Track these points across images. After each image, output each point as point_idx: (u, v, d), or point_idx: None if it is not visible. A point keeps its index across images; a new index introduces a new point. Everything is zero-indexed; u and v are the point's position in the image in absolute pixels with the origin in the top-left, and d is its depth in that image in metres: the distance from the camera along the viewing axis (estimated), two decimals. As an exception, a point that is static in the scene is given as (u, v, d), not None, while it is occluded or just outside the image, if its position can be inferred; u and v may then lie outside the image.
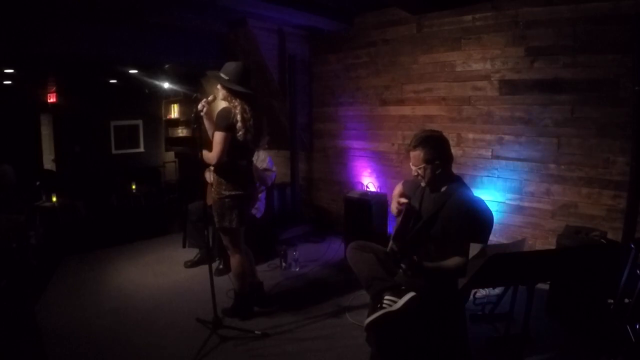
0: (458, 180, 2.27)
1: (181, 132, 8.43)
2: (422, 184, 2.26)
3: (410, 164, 2.23)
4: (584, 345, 2.49)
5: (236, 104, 2.64)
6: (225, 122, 2.60)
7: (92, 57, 5.26)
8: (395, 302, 2.05)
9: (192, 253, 4.04)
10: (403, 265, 2.09)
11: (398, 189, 2.55)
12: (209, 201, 2.92)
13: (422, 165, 2.15)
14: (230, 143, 2.62)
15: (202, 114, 2.66)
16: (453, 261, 2.11)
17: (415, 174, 2.20)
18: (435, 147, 2.17)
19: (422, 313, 2.11)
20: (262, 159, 3.94)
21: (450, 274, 2.12)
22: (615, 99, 3.05)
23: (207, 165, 2.76)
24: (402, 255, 2.13)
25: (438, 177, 2.19)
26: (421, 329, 2.15)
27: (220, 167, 2.71)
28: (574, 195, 3.32)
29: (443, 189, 2.22)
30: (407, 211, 2.23)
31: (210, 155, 2.63)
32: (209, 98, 2.72)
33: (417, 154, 2.16)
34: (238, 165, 2.74)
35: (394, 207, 2.40)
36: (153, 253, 4.43)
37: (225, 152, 2.60)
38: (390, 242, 2.22)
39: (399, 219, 2.26)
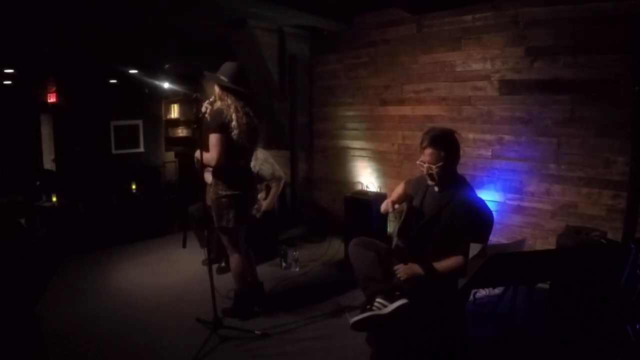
0: (462, 180, 2.27)
1: (181, 132, 8.44)
2: (430, 182, 2.24)
3: (422, 161, 2.20)
4: (584, 345, 2.49)
5: (229, 102, 2.64)
6: (217, 122, 2.60)
7: (92, 57, 5.27)
8: (385, 306, 2.05)
9: (192, 253, 4.04)
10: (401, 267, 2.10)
11: (399, 190, 2.54)
12: (209, 201, 2.92)
13: (440, 164, 2.14)
14: (227, 143, 2.63)
15: (206, 116, 2.67)
16: (454, 260, 2.11)
17: (429, 171, 2.18)
18: (453, 147, 2.18)
19: (422, 313, 2.11)
20: (261, 158, 3.94)
21: (451, 273, 2.12)
22: (615, 99, 3.05)
23: (205, 166, 2.75)
24: (409, 252, 2.12)
25: (448, 177, 2.20)
26: (421, 329, 2.15)
27: (218, 167, 2.71)
28: (574, 195, 3.32)
29: (446, 187, 2.22)
30: (409, 210, 2.23)
31: (209, 157, 2.63)
32: (211, 99, 2.73)
33: (435, 153, 2.14)
34: (235, 165, 2.74)
35: (384, 206, 2.39)
36: (153, 253, 4.43)
37: (224, 153, 2.60)
38: (395, 239, 2.22)
39: (401, 218, 2.26)
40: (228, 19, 4.42)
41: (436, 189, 2.26)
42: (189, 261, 4.06)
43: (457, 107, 3.93)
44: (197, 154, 2.62)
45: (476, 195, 2.26)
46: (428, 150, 2.16)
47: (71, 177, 6.88)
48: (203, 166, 2.70)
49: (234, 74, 2.68)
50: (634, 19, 2.79)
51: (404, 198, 2.46)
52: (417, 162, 2.24)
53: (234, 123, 2.61)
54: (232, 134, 2.62)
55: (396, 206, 2.38)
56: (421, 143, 2.21)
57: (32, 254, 3.93)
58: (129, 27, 4.38)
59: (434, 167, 2.15)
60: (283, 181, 4.07)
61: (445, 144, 2.15)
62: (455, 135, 2.23)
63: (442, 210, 2.17)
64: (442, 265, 2.13)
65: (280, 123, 5.21)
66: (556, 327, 2.74)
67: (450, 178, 2.22)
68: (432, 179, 2.20)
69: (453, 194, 2.18)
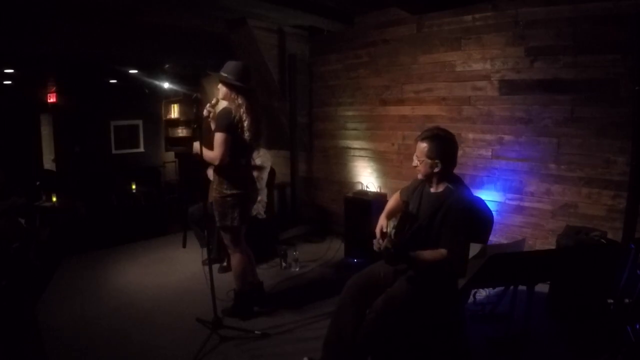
0: (457, 181, 2.25)
1: (181, 132, 8.44)
2: (420, 177, 2.23)
3: (416, 155, 2.21)
4: (584, 346, 2.49)
5: (240, 102, 2.65)
6: (226, 122, 2.61)
7: (92, 57, 5.27)
8: None
9: (192, 253, 4.04)
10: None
11: (392, 201, 2.47)
12: (211, 199, 2.92)
13: (423, 159, 2.14)
14: (233, 142, 2.63)
15: (209, 119, 2.67)
16: (438, 253, 2.06)
17: (415, 164, 2.20)
18: (440, 146, 2.16)
19: (421, 313, 2.11)
20: (261, 154, 3.98)
21: (432, 262, 2.05)
22: (615, 99, 3.04)
23: (209, 164, 2.76)
24: (397, 255, 2.09)
25: (435, 175, 2.18)
26: (421, 329, 2.15)
27: (221, 166, 2.72)
28: (574, 195, 3.32)
29: (441, 188, 2.20)
30: (403, 214, 2.20)
31: (212, 155, 2.62)
32: (212, 102, 2.73)
33: (422, 147, 2.15)
34: (239, 164, 2.75)
35: (378, 229, 2.29)
36: (153, 253, 4.44)
37: (227, 153, 2.61)
38: (385, 241, 2.17)
39: (396, 223, 2.23)
40: (228, 18, 4.42)
41: (431, 190, 2.23)
42: (189, 261, 4.06)
43: (457, 107, 3.93)
44: (196, 146, 2.59)
45: (472, 194, 2.22)
46: (419, 144, 2.17)
47: (71, 177, 6.87)
48: (204, 160, 2.68)
49: (242, 73, 2.68)
50: (634, 19, 2.79)
51: (398, 208, 2.42)
52: (414, 157, 2.22)
53: (246, 124, 2.62)
54: (245, 135, 2.64)
55: (389, 228, 2.33)
56: (417, 137, 2.21)
57: (35, 254, 3.92)
58: (129, 27, 4.38)
59: (416, 159, 2.15)
60: (267, 171, 4.09)
61: (434, 142, 2.14)
62: (453, 138, 2.20)
63: (437, 212, 2.14)
64: (426, 254, 2.07)
65: (280, 123, 5.21)
66: (556, 327, 2.74)
67: (442, 178, 2.20)
68: (425, 175, 2.18)
69: (448, 194, 2.15)
